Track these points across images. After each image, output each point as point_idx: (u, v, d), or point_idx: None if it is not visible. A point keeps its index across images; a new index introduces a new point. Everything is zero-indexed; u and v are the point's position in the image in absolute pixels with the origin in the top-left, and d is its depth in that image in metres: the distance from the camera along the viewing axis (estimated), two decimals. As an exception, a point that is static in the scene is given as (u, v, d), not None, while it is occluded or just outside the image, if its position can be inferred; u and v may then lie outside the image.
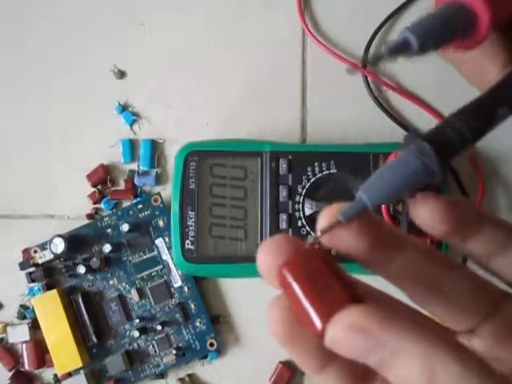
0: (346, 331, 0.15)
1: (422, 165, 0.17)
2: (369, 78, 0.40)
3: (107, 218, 0.38)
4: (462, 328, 0.18)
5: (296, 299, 0.16)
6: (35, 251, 0.38)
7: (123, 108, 0.41)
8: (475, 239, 0.18)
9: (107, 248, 0.37)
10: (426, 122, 0.40)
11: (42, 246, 0.38)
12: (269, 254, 0.17)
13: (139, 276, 0.38)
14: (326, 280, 0.16)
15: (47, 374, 0.38)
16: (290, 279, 0.16)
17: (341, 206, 0.17)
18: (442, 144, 0.17)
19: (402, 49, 0.18)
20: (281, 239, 0.17)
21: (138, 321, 0.37)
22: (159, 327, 0.37)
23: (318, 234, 0.17)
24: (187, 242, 0.36)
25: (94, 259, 0.37)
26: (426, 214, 0.17)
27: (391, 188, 0.17)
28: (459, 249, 0.18)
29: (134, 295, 0.38)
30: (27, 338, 0.38)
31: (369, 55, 0.40)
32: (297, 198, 0.36)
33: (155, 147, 0.40)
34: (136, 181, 0.40)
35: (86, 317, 0.37)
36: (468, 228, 0.18)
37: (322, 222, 0.17)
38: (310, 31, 0.40)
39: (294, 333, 0.16)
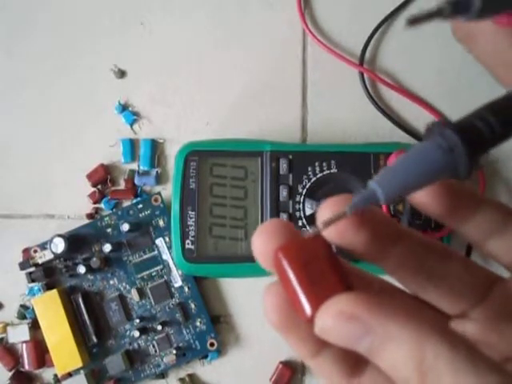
0: (334, 319, 0.15)
1: (447, 161, 0.15)
2: (365, 77, 0.40)
3: (107, 218, 0.38)
4: (455, 311, 0.18)
5: (288, 284, 0.16)
6: (35, 251, 0.38)
7: (123, 108, 0.41)
8: (472, 221, 0.18)
9: (107, 248, 0.37)
10: (426, 122, 0.40)
11: (42, 246, 0.38)
12: (265, 236, 0.17)
13: (139, 276, 0.38)
14: (320, 267, 0.16)
15: (47, 374, 0.38)
16: (284, 263, 0.16)
17: (345, 198, 0.17)
18: (472, 138, 0.15)
19: None
20: (277, 223, 0.17)
21: (138, 321, 0.37)
22: (159, 327, 0.37)
23: (320, 225, 0.16)
24: (187, 241, 0.36)
25: (94, 259, 0.37)
26: (422, 195, 0.18)
27: (408, 182, 0.16)
28: (457, 231, 0.18)
29: (134, 295, 0.38)
30: (27, 337, 0.38)
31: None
32: (297, 198, 0.36)
33: (155, 147, 0.40)
34: (136, 180, 0.40)
35: (86, 317, 0.37)
36: (464, 210, 0.18)
37: (326, 213, 0.17)
38: (310, 31, 0.40)
39: (288, 319, 0.16)
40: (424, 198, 0.18)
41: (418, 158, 0.16)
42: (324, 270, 0.16)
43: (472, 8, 0.15)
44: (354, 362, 0.18)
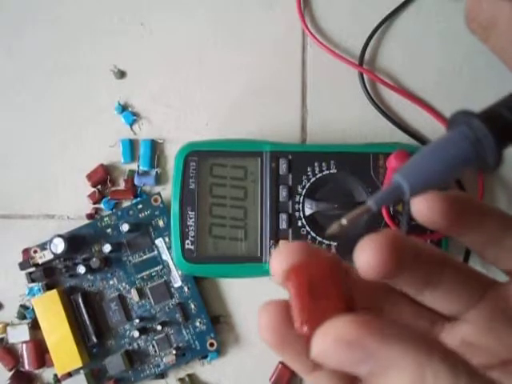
0: (331, 345, 0.15)
1: (475, 152, 0.14)
2: (365, 77, 0.40)
3: (107, 218, 0.38)
4: (451, 312, 0.18)
5: (295, 302, 0.17)
6: (35, 251, 0.38)
7: (123, 108, 0.41)
8: (474, 231, 0.18)
9: (107, 248, 0.37)
10: (425, 123, 0.40)
11: (42, 246, 0.38)
12: (281, 257, 0.17)
13: (139, 276, 0.38)
14: (325, 287, 0.17)
15: (47, 373, 0.38)
16: (294, 283, 0.17)
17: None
18: (498, 128, 0.15)
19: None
20: (294, 245, 0.17)
21: (137, 321, 0.37)
22: (159, 327, 0.37)
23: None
24: (187, 242, 0.36)
25: (94, 259, 0.37)
26: (426, 209, 0.17)
27: (434, 175, 0.15)
28: (457, 239, 0.18)
29: (133, 295, 0.38)
30: (27, 337, 0.38)
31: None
32: (297, 198, 0.36)
33: (155, 147, 0.40)
34: (136, 181, 0.40)
35: (85, 317, 0.37)
36: (467, 221, 0.18)
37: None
38: (310, 31, 0.40)
39: (283, 337, 0.17)
40: (426, 212, 0.17)
41: (444, 150, 0.15)
42: (328, 291, 0.16)
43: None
44: (352, 377, 0.17)
